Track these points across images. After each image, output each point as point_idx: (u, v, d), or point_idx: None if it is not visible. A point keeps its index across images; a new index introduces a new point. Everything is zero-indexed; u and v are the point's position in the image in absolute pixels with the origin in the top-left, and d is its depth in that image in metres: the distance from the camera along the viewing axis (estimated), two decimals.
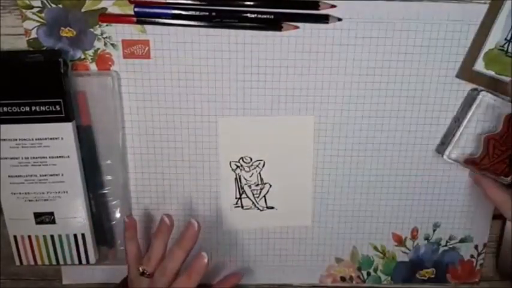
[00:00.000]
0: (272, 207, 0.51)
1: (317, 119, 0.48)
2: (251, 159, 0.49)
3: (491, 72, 0.46)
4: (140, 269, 0.45)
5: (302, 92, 0.47)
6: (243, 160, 0.49)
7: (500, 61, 0.46)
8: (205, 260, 0.44)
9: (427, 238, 0.53)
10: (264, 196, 0.51)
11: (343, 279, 0.55)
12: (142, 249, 0.48)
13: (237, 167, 0.49)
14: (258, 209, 0.51)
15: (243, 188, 0.50)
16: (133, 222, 0.48)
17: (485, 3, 0.44)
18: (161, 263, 0.45)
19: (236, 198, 0.51)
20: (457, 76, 0.47)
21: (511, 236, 0.53)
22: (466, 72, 0.46)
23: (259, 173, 0.50)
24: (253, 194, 0.50)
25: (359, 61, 0.46)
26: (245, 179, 0.50)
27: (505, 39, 0.45)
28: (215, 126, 0.48)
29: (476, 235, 0.54)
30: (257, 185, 0.50)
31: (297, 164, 0.49)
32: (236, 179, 0.50)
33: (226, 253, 0.53)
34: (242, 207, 0.51)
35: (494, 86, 0.47)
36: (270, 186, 0.50)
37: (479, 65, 0.46)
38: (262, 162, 0.49)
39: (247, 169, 0.49)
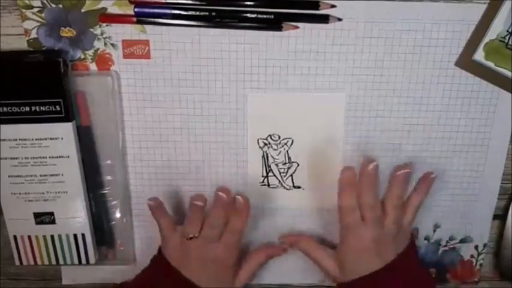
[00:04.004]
0: (299, 187, 0.51)
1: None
2: (279, 137, 0.49)
3: (491, 64, 0.46)
4: (188, 236, 0.46)
5: (302, 92, 0.47)
6: (271, 138, 0.48)
7: (500, 53, 0.46)
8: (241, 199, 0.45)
9: (427, 238, 0.53)
10: (291, 175, 0.50)
11: None
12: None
13: (265, 144, 0.49)
14: (285, 188, 0.51)
15: (269, 166, 0.50)
16: (158, 203, 0.48)
17: (485, 3, 0.44)
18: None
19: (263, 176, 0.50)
20: (456, 65, 0.47)
21: (511, 236, 0.53)
22: (465, 61, 0.46)
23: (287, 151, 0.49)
24: (280, 173, 0.50)
25: (359, 61, 0.46)
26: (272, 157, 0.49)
27: (507, 31, 0.45)
28: (215, 126, 0.48)
29: (476, 235, 0.54)
30: (284, 163, 0.50)
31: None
32: (263, 156, 0.49)
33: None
34: (269, 185, 0.51)
35: (492, 78, 0.46)
36: (298, 165, 0.50)
37: (479, 55, 0.46)
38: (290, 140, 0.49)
39: (275, 147, 0.49)
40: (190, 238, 0.46)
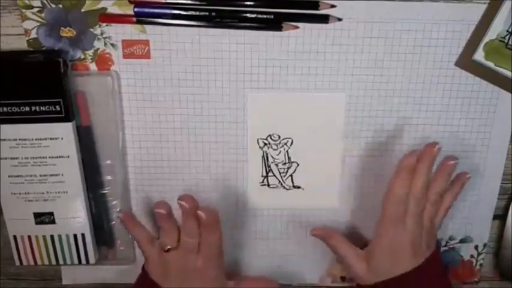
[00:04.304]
0: (299, 187, 0.51)
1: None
2: (279, 137, 0.49)
3: (491, 64, 0.46)
4: (165, 248, 0.44)
5: (302, 92, 0.47)
6: (271, 137, 0.48)
7: (500, 53, 0.46)
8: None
9: None
10: (291, 175, 0.50)
11: (343, 279, 0.55)
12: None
13: (265, 144, 0.49)
14: (284, 188, 0.51)
15: (269, 166, 0.50)
16: (128, 214, 0.48)
17: (485, 3, 0.44)
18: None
19: (263, 176, 0.50)
20: (456, 65, 0.47)
21: (511, 236, 0.53)
22: (465, 61, 0.46)
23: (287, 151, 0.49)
24: (279, 173, 0.50)
25: (359, 61, 0.46)
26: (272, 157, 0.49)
27: (507, 31, 0.45)
28: (215, 126, 0.48)
29: (476, 235, 0.54)
30: (284, 163, 0.50)
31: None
32: (263, 156, 0.49)
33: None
34: (269, 185, 0.51)
35: (492, 78, 0.47)
36: (298, 165, 0.50)
37: (479, 55, 0.46)
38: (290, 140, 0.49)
39: (275, 147, 0.49)
40: (168, 250, 0.44)
